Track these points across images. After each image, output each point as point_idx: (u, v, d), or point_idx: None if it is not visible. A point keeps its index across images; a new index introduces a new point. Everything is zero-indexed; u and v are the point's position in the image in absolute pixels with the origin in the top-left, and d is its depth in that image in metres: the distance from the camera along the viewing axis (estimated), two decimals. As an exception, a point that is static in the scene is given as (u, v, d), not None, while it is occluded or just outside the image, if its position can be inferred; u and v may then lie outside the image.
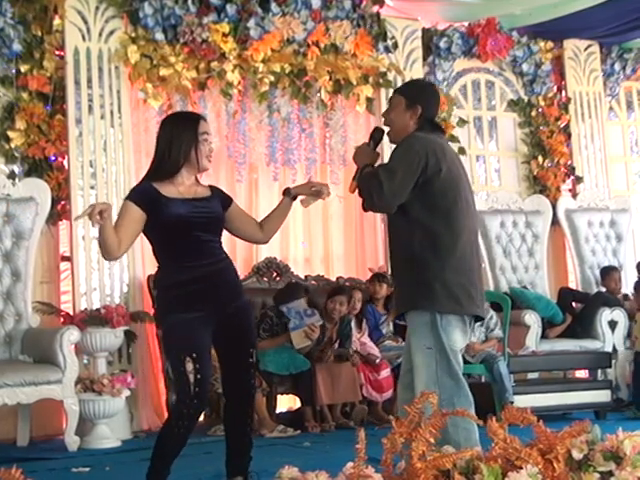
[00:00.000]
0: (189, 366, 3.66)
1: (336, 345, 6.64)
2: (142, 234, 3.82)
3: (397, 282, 3.99)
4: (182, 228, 3.74)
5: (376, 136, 4.07)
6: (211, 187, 3.98)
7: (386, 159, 4.06)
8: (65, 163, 6.55)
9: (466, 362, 6.29)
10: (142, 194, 3.75)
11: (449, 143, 4.24)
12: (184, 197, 3.77)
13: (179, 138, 3.78)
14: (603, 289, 8.07)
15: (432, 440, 2.52)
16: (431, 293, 3.77)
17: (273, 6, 7.01)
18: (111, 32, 6.70)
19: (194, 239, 3.75)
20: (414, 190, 3.77)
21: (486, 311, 6.46)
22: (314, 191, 4.03)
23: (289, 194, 4.04)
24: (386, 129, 4.07)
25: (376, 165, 3.96)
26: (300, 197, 4.06)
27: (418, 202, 3.79)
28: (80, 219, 3.52)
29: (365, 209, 4.00)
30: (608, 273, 8.06)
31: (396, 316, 4.17)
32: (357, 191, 3.96)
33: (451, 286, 3.78)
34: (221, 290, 3.81)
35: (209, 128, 3.89)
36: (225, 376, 3.92)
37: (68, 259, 6.53)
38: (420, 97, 3.97)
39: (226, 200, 3.96)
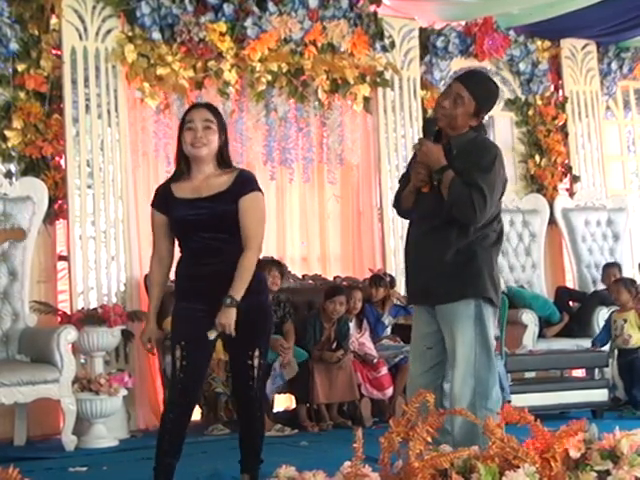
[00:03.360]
0: (177, 353, 3.70)
1: (334, 345, 6.65)
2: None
3: (438, 275, 3.88)
4: (182, 229, 3.80)
5: (432, 129, 4.03)
6: (238, 175, 3.79)
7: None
8: (62, 162, 6.55)
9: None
10: (158, 197, 3.87)
11: None
12: (190, 197, 3.76)
13: (179, 136, 3.83)
14: (602, 286, 8.07)
15: (429, 439, 2.52)
16: (482, 281, 3.83)
17: (270, 5, 7.01)
18: (108, 31, 6.69)
19: (196, 239, 3.75)
20: None
21: None
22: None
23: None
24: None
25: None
26: None
27: None
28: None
29: (458, 218, 3.88)
30: (605, 269, 8.06)
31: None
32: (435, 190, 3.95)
33: (494, 277, 3.90)
34: (215, 291, 3.70)
35: (196, 114, 3.75)
36: (231, 377, 4.04)
37: (65, 258, 6.52)
38: (487, 107, 4.06)
39: (241, 191, 3.75)
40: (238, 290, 3.65)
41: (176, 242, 3.90)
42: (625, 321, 6.96)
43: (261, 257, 3.90)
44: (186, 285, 3.80)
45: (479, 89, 3.99)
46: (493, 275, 3.89)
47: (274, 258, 6.93)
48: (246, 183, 3.77)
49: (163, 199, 3.82)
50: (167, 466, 3.74)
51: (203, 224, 3.74)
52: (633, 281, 7.37)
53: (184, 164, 3.81)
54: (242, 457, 3.92)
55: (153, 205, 3.87)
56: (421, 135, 4.23)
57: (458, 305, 3.85)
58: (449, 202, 3.85)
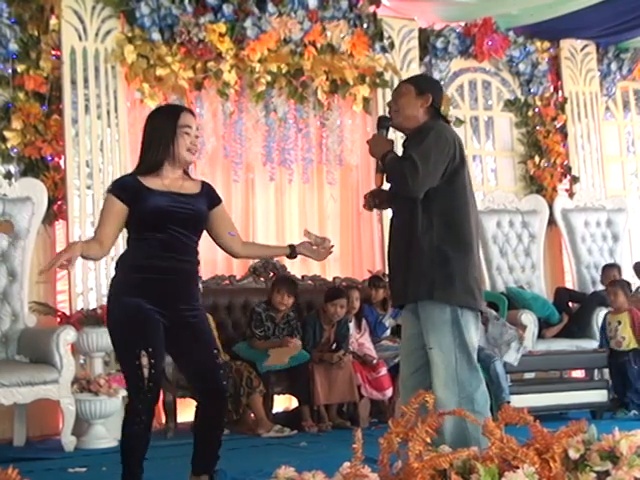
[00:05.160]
0: (144, 360, 3.61)
1: (334, 346, 6.65)
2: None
3: (408, 273, 3.85)
4: (158, 219, 3.71)
5: (385, 124, 4.07)
6: (203, 184, 3.94)
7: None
8: (62, 163, 6.55)
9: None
10: (124, 186, 3.76)
11: None
12: (167, 190, 3.76)
13: (159, 132, 3.77)
14: (602, 287, 8.07)
15: (429, 440, 2.52)
16: (451, 286, 3.77)
17: (270, 6, 7.01)
18: (107, 32, 6.69)
19: (168, 232, 3.72)
20: (440, 180, 3.79)
21: (505, 326, 6.46)
22: (316, 250, 3.98)
23: (292, 252, 3.98)
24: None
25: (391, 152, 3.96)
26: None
27: (441, 194, 3.80)
28: (46, 271, 3.62)
29: (396, 192, 3.93)
30: (604, 270, 8.05)
31: (399, 305, 4.13)
32: (385, 177, 3.97)
33: (469, 280, 3.81)
34: (180, 288, 3.76)
35: (192, 121, 3.83)
36: (194, 379, 3.84)
37: (64, 259, 6.51)
38: (430, 87, 4.06)
39: (214, 200, 3.93)
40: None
41: (123, 235, 3.84)
42: (619, 323, 6.96)
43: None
44: (149, 277, 3.69)
45: (415, 77, 4.33)
46: (468, 280, 3.81)
47: (286, 277, 6.94)
48: (215, 193, 3.97)
49: (130, 189, 3.73)
50: (139, 475, 3.71)
51: (185, 219, 3.75)
52: (628, 283, 7.39)
53: (153, 160, 3.79)
54: (201, 458, 3.84)
55: (113, 193, 3.75)
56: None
57: (433, 308, 3.79)
58: (389, 180, 3.92)
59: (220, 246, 4.02)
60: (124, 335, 3.69)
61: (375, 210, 4.32)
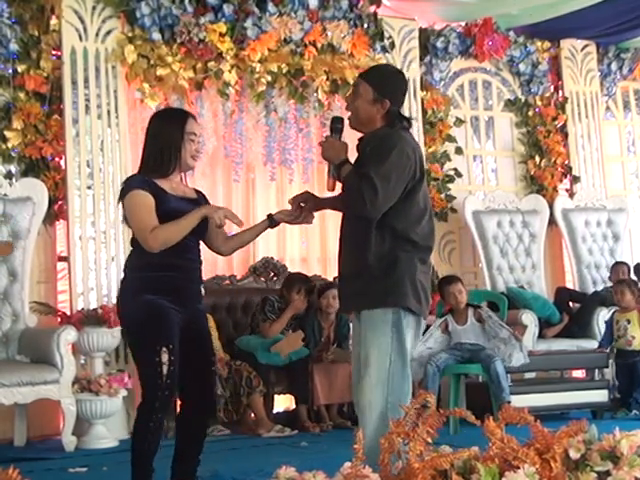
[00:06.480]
0: (164, 357, 3.59)
1: (334, 345, 6.65)
2: (124, 222, 3.89)
3: (359, 283, 3.72)
4: None
5: (339, 126, 3.85)
6: (195, 190, 4.01)
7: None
8: (62, 163, 6.56)
9: (464, 362, 6.31)
10: (145, 183, 3.72)
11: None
12: (178, 195, 3.79)
13: (168, 137, 3.76)
14: (602, 287, 8.08)
15: (430, 440, 2.52)
16: (400, 289, 3.65)
17: (270, 6, 7.01)
18: (108, 32, 6.69)
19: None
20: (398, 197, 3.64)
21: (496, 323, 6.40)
22: (295, 218, 3.98)
23: (272, 221, 4.01)
24: (346, 113, 3.88)
25: (346, 158, 3.78)
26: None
27: (396, 210, 3.65)
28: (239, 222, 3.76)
29: (352, 212, 3.78)
30: (613, 267, 8.04)
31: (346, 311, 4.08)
32: (337, 186, 3.82)
33: (416, 283, 3.69)
34: (191, 287, 3.81)
35: (197, 128, 3.86)
36: (187, 380, 3.77)
37: (65, 259, 6.53)
38: (389, 90, 3.78)
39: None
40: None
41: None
42: (629, 322, 6.94)
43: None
44: (165, 275, 3.69)
45: (373, 74, 3.90)
46: (416, 282, 3.68)
47: (301, 275, 6.90)
48: (206, 198, 4.02)
49: (151, 187, 3.71)
50: (151, 473, 3.72)
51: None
52: (635, 282, 7.38)
53: (166, 165, 3.79)
54: (185, 463, 3.85)
55: (139, 187, 3.68)
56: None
57: (376, 311, 3.67)
58: (344, 198, 3.76)
59: (209, 247, 4.01)
60: (144, 332, 3.65)
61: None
